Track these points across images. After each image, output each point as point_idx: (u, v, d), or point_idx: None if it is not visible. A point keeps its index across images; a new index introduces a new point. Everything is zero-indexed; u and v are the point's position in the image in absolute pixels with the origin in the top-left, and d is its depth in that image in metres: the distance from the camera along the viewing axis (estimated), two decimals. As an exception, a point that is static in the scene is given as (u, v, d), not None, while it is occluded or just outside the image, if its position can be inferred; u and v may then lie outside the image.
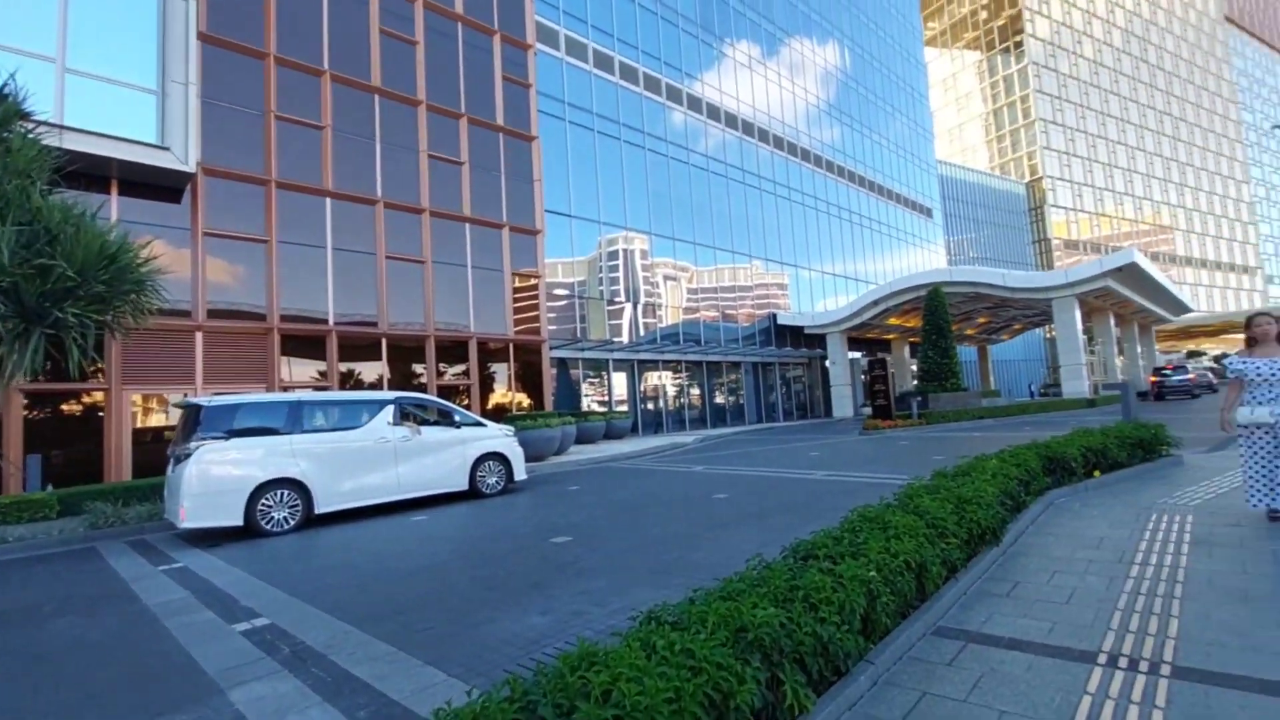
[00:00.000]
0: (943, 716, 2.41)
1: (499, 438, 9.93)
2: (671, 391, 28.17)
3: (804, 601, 2.61)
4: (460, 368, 18.31)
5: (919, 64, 50.36)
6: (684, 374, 28.53)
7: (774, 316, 33.51)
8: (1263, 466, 4.86)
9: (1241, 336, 5.18)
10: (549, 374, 20.66)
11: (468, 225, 18.68)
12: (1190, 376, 28.51)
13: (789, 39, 37.40)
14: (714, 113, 32.01)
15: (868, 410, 22.74)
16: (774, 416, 33.27)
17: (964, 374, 49.46)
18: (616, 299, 25.70)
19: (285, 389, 14.45)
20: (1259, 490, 4.90)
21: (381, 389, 16.26)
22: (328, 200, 16.02)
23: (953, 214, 58.80)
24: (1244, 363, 4.93)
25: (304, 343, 15.42)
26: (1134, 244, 64.54)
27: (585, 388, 24.67)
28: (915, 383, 26.09)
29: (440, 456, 9.15)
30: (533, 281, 20.33)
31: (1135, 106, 72.23)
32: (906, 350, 40.44)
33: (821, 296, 37.13)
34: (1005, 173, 66.16)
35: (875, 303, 31.28)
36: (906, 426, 19.79)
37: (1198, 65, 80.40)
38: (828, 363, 34.99)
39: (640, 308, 26.53)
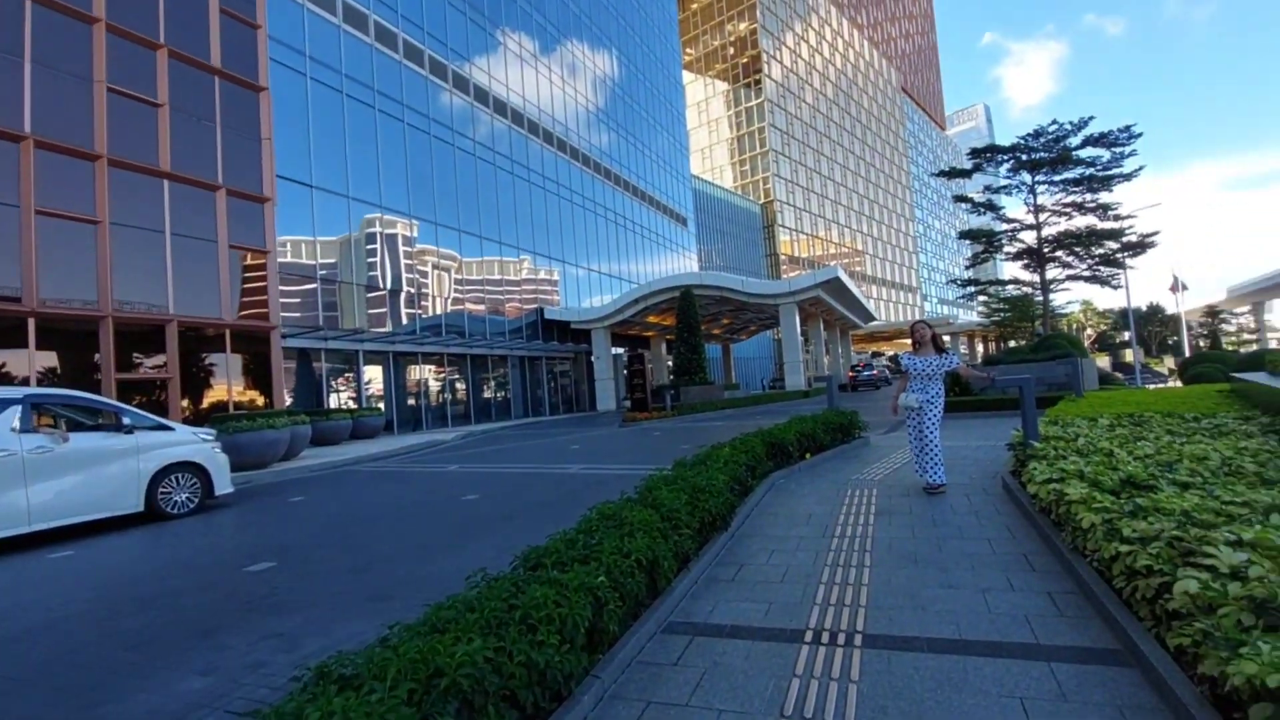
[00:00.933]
0: (664, 727, 2.27)
1: (192, 444, 8.04)
2: (434, 386, 26.45)
3: (521, 624, 2.27)
4: (159, 359, 14.81)
5: (678, 84, 54.61)
6: (448, 368, 26.98)
7: (541, 311, 33.46)
8: (917, 444, 5.92)
9: (909, 341, 6.25)
10: (281, 367, 17.77)
11: (167, 182, 15.14)
12: (875, 372, 36.30)
13: (563, 38, 37.65)
14: (484, 98, 30.77)
15: (629, 403, 23.86)
16: (541, 411, 33.26)
17: (711, 369, 55.15)
18: (376, 286, 23.25)
19: None
20: (916, 463, 5.95)
21: (30, 385, 12.35)
22: (-71, 125, 11.65)
23: (704, 225, 65.06)
24: (909, 359, 5.94)
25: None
26: (837, 263, 78.25)
27: (335, 383, 21.88)
28: (671, 377, 28.09)
29: (99, 471, 7.06)
30: (261, 259, 17.28)
31: (840, 150, 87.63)
32: (664, 347, 43.56)
33: (589, 294, 38.13)
34: (745, 193, 75.22)
35: (636, 301, 33.04)
36: (662, 418, 21.13)
37: (883, 124, 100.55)
38: (593, 358, 36.04)
39: (402, 297, 24.41)
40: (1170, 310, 50.87)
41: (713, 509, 4.27)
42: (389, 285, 23.86)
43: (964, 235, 32.00)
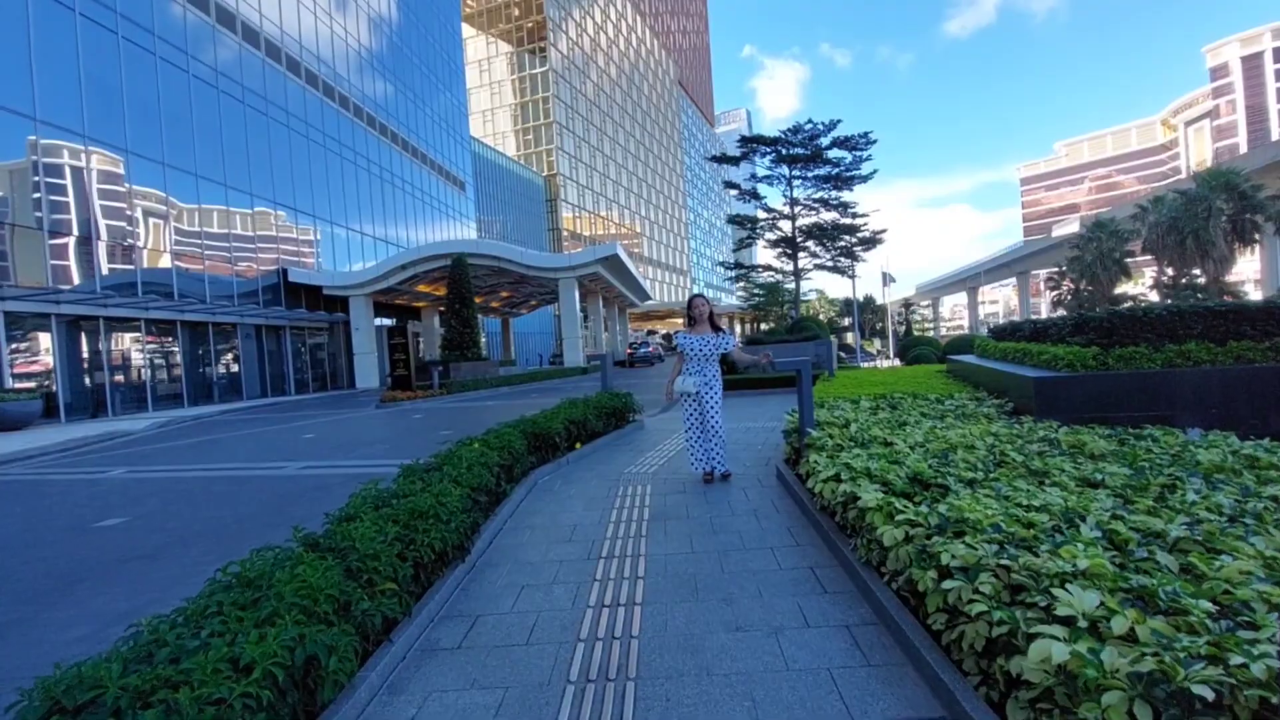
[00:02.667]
0: None
1: None
2: (137, 359, 20.82)
3: None
4: None
5: (457, 35, 50.41)
6: (153, 336, 21.45)
7: (285, 273, 28.40)
8: (696, 432, 5.34)
9: (680, 321, 5.62)
10: None
11: None
12: (651, 349, 37.63)
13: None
14: (228, 20, 24.93)
15: (391, 381, 21.14)
16: (285, 389, 28.41)
17: (490, 344, 52.84)
18: (61, 232, 17.45)
19: None
20: (697, 454, 5.36)
21: None
22: None
23: (486, 193, 61.83)
24: (686, 338, 5.29)
25: None
26: (618, 242, 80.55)
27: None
28: (441, 352, 25.73)
29: None
30: None
31: (622, 132, 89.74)
32: (437, 319, 40.33)
33: (360, 258, 33.72)
34: (529, 163, 73.16)
35: (403, 267, 29.72)
36: (427, 397, 19.01)
37: (661, 112, 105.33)
38: (353, 329, 31.77)
39: (98, 247, 18.78)
40: (880, 301, 61.39)
41: (436, 544, 3.06)
42: (80, 231, 18.10)
43: (732, 220, 34.39)
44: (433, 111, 44.48)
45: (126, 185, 20.43)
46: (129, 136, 20.42)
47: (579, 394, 8.29)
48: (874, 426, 4.71)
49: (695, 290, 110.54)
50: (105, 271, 19.56)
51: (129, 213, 20.43)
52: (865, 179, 28.10)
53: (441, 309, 39.30)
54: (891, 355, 30.70)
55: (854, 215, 28.95)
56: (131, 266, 20.56)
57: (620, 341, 46.33)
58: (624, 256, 32.05)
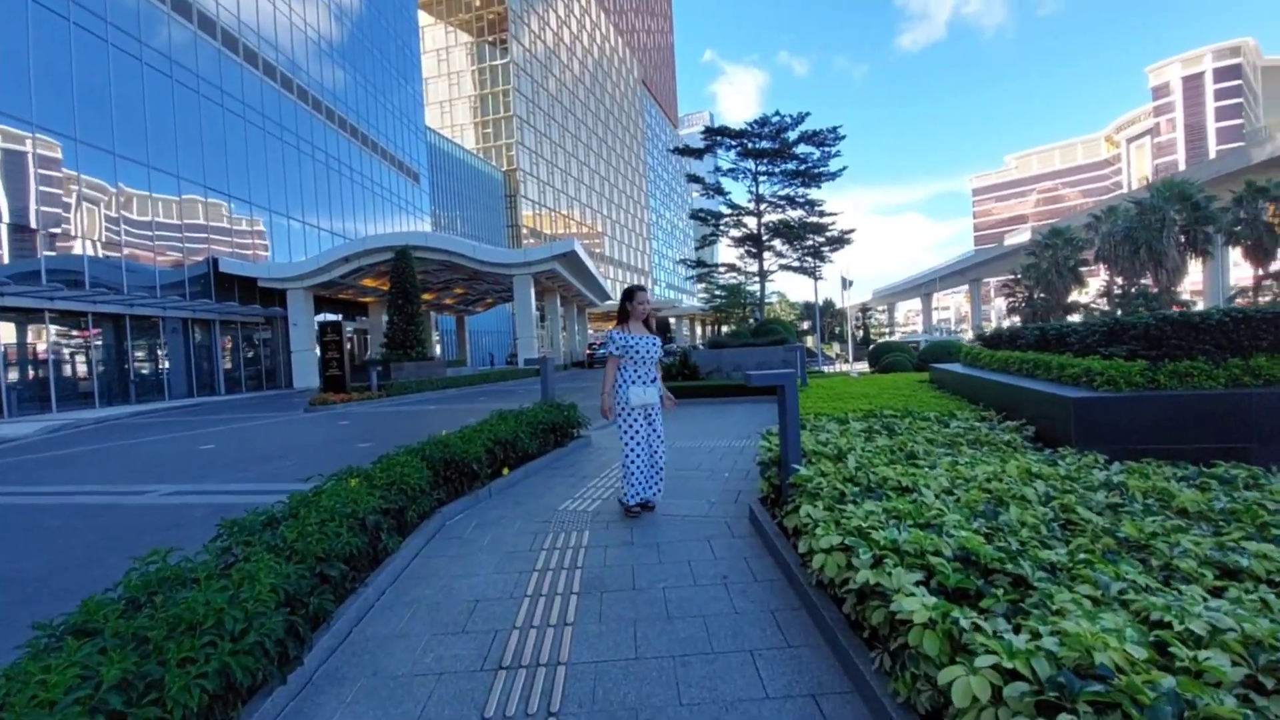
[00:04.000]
0: None
1: None
2: (40, 354, 18.70)
3: None
4: None
5: (413, 21, 48.26)
6: (63, 329, 19.30)
7: (215, 262, 26.24)
8: (645, 458, 4.24)
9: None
10: None
11: None
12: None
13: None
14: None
15: (324, 382, 19.39)
16: (214, 389, 26.26)
17: (445, 343, 50.76)
18: None
19: None
20: (638, 485, 4.25)
21: None
22: None
23: (443, 186, 59.65)
24: (627, 337, 4.19)
25: None
26: (576, 239, 78.90)
27: None
28: (383, 351, 23.98)
29: None
30: None
31: (584, 129, 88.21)
32: (384, 316, 38.31)
33: (304, 251, 31.76)
34: (488, 157, 71.04)
35: (346, 259, 27.81)
36: (362, 400, 17.40)
37: (625, 111, 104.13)
38: (291, 324, 29.67)
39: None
40: (839, 305, 61.62)
41: (211, 682, 1.83)
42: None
43: (695, 215, 33.43)
44: (386, 98, 42.36)
45: (31, 162, 18.26)
46: (35, 108, 18.34)
47: (530, 399, 7.06)
48: (877, 459, 3.65)
49: (655, 293, 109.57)
50: (4, 259, 17.43)
51: (34, 192, 18.27)
52: (834, 176, 27.35)
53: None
54: (851, 359, 30.22)
55: (821, 214, 28.24)
56: (35, 251, 18.40)
57: (579, 342, 44.93)
58: (583, 254, 30.77)
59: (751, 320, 38.79)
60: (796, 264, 30.39)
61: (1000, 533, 2.42)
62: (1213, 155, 78.92)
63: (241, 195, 27.87)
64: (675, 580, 3.21)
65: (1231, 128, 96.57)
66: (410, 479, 3.84)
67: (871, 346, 24.42)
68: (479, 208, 66.61)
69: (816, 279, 30.45)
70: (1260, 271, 30.75)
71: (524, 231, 71.14)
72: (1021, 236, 64.29)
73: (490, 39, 70.26)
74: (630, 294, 4.37)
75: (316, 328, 29.89)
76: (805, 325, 58.52)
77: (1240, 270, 39.79)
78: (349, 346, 34.08)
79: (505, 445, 5.30)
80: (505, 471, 5.26)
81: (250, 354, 29.49)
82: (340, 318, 34.92)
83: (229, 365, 27.71)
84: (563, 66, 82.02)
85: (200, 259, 25.79)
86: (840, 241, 28.82)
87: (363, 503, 3.26)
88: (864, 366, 29.30)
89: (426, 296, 37.14)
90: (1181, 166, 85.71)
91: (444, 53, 72.40)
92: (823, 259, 29.39)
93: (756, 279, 32.11)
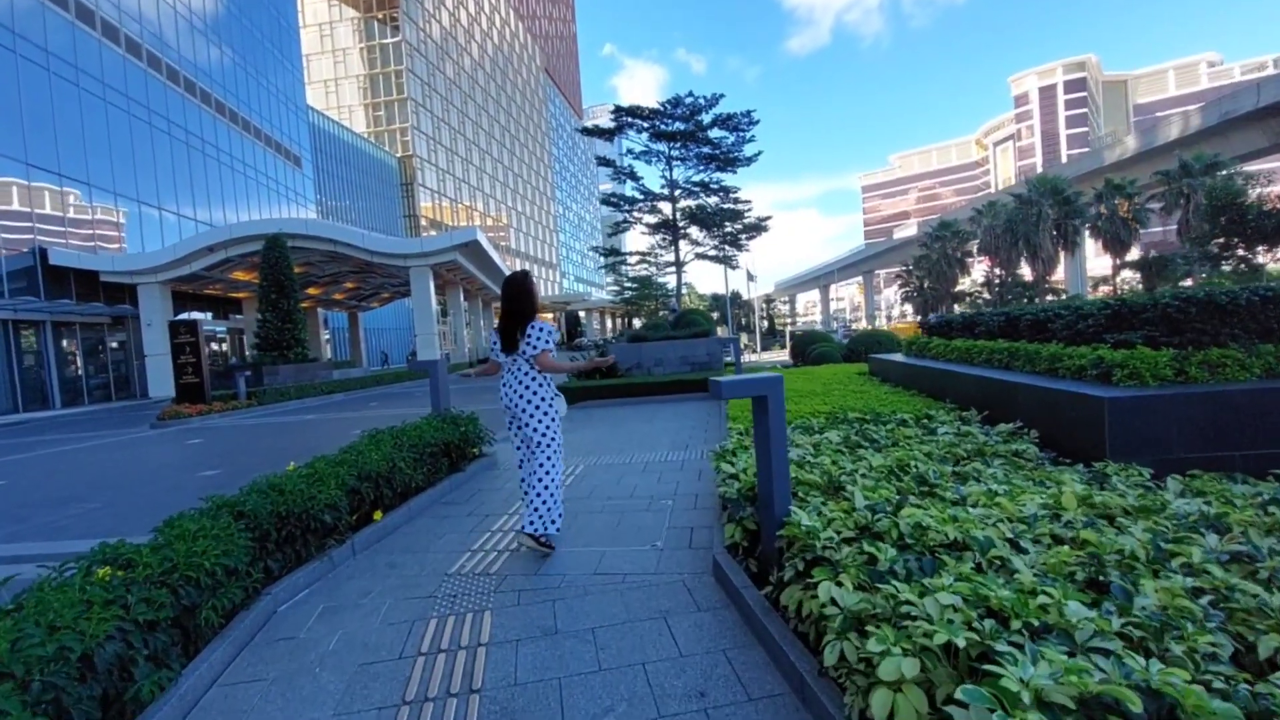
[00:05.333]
0: None
1: None
2: None
3: None
4: None
5: (288, -13, 43.78)
6: None
7: (43, 253, 22.28)
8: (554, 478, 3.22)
9: (552, 317, 3.39)
10: None
11: None
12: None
13: None
14: None
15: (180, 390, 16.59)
16: (48, 401, 22.39)
17: (336, 342, 46.71)
18: None
19: None
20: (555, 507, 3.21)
21: None
22: None
23: (331, 172, 54.99)
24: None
25: None
26: (477, 228, 75.54)
27: None
28: (254, 353, 21.15)
29: None
30: None
31: (486, 118, 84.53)
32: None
33: (162, 242, 27.68)
34: (381, 142, 66.34)
35: (211, 249, 24.45)
36: (227, 410, 14.97)
37: (528, 99, 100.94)
38: (144, 324, 25.81)
39: None
40: (745, 296, 62.72)
41: None
42: None
43: (606, 201, 32.21)
44: (258, 72, 38.05)
45: None
46: None
47: (429, 405, 5.66)
48: (885, 490, 2.69)
49: (563, 287, 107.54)
50: None
51: None
52: (749, 161, 26.89)
53: (266, 301, 33.59)
54: (759, 349, 30.28)
55: (736, 200, 27.82)
56: None
57: (485, 339, 42.65)
58: (485, 243, 28.84)
59: (664, 312, 38.21)
60: (713, 252, 29.91)
61: (1151, 629, 1.49)
62: (1064, 160, 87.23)
63: (79, 177, 23.80)
64: (627, 707, 2.08)
65: (1079, 135, 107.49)
66: (208, 557, 2.48)
67: (794, 337, 24.31)
68: (373, 196, 62.08)
69: (732, 267, 30.17)
70: (1118, 261, 33.73)
71: (423, 222, 67.10)
72: (909, 230, 68.07)
73: (379, 15, 65.46)
74: (516, 282, 3.49)
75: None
76: (715, 315, 59.04)
77: (1097, 262, 43.68)
78: (216, 348, 30.31)
79: (377, 479, 3.95)
80: (377, 516, 3.91)
81: (95, 360, 25.43)
82: (210, 316, 31.05)
83: (68, 374, 23.70)
84: (460, 49, 78.05)
85: (24, 250, 21.78)
86: (757, 229, 28.62)
87: (93, 624, 1.90)
88: (775, 356, 29.38)
89: (312, 291, 33.71)
90: (1039, 169, 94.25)
91: (327, 27, 66.73)
92: (740, 247, 29.09)
93: (668, 270, 31.43)
